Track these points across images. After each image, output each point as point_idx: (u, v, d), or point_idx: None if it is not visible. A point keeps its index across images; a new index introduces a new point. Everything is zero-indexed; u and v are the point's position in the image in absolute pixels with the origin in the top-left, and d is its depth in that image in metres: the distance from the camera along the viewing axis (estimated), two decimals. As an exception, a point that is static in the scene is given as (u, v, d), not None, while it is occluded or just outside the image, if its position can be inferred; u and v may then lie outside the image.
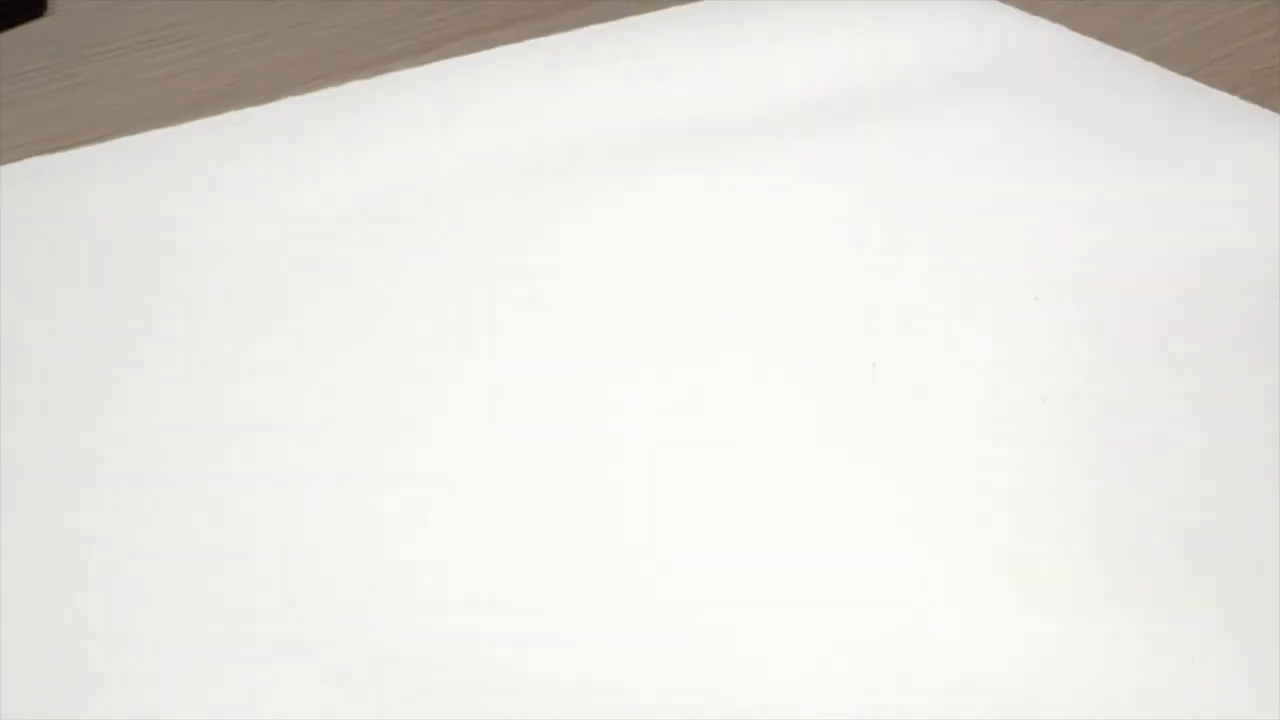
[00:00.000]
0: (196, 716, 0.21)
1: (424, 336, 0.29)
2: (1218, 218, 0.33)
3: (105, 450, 0.26)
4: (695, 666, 0.22)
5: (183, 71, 0.41)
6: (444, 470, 0.26)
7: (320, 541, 0.24)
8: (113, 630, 0.22)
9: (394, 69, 0.41)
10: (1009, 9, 0.43)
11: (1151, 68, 0.40)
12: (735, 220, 0.33)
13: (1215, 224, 0.33)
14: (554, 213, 0.34)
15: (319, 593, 0.23)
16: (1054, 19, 0.43)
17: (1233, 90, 0.39)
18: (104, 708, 0.21)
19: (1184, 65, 0.41)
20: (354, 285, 0.31)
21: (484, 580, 0.23)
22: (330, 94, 0.39)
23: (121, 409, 0.27)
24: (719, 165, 0.35)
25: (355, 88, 0.40)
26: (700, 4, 0.44)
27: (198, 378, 0.28)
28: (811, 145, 0.36)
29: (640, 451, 0.26)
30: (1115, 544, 0.24)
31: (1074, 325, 0.29)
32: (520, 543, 0.24)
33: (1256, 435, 0.26)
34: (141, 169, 0.36)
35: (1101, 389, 0.27)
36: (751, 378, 0.28)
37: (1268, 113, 0.38)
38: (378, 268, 0.32)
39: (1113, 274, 0.31)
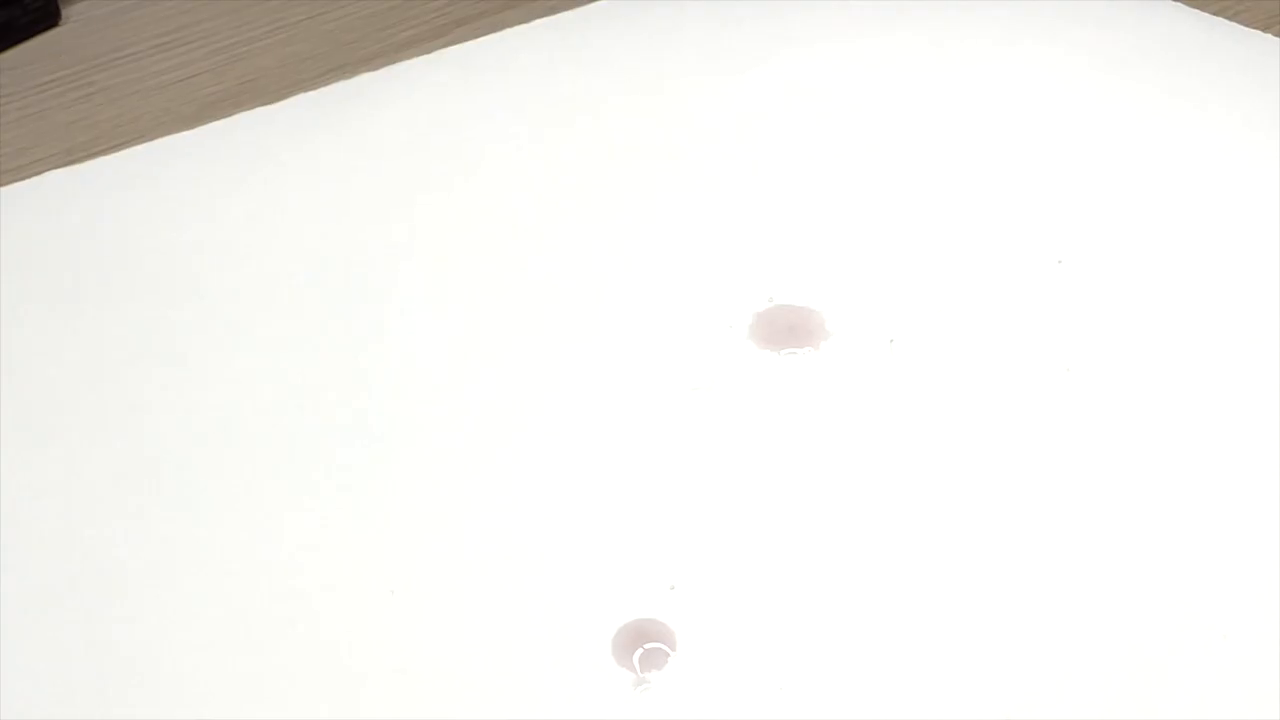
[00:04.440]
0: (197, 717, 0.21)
1: (440, 328, 0.29)
2: (1249, 168, 0.32)
3: (128, 454, 0.26)
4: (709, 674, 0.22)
5: (195, 74, 0.41)
6: (455, 473, 0.26)
7: (327, 545, 0.24)
8: (136, 634, 0.23)
9: (404, 58, 0.40)
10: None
11: (1180, 7, 0.39)
12: (748, 196, 0.32)
13: (1245, 174, 0.32)
14: (573, 196, 0.33)
15: (327, 595, 0.23)
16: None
17: (1265, 27, 0.38)
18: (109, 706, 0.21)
19: (1212, 4, 0.39)
20: (372, 279, 0.31)
21: (496, 585, 0.23)
22: (341, 88, 0.39)
23: (144, 409, 0.27)
24: (732, 141, 0.35)
25: (365, 80, 0.39)
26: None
27: (221, 377, 0.28)
28: (824, 114, 0.35)
29: (661, 436, 0.26)
30: (1132, 514, 0.23)
31: (1099, 291, 0.28)
32: (540, 544, 0.24)
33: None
34: (159, 176, 0.36)
35: (1126, 358, 0.27)
36: (768, 360, 0.27)
37: (1302, 49, 0.36)
38: (395, 260, 0.32)
39: (1139, 236, 0.30)
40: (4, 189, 0.35)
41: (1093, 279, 0.29)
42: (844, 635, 0.22)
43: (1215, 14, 0.38)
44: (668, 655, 0.22)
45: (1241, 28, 0.38)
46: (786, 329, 0.28)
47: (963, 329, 0.28)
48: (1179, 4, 0.39)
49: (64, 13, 0.44)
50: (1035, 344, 0.27)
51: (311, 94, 0.39)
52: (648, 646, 0.22)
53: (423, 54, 0.41)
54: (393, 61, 0.40)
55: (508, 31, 0.41)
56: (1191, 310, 0.28)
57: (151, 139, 0.37)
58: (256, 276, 0.32)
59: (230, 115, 0.38)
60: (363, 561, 0.24)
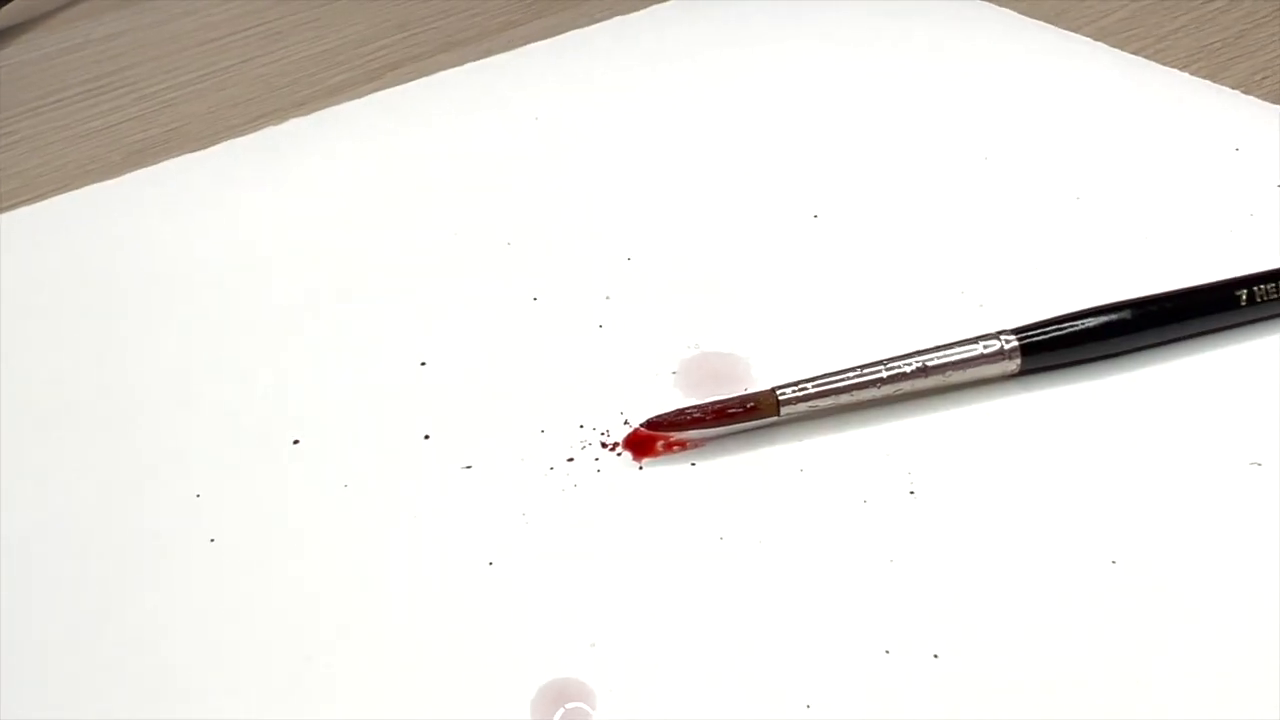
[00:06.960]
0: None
1: (364, 375, 0.29)
2: (1174, 197, 0.33)
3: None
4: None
5: (122, 121, 0.41)
6: (369, 528, 0.25)
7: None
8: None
9: (336, 102, 0.40)
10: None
11: (1101, 47, 0.40)
12: (668, 248, 0.33)
13: (1174, 205, 0.32)
14: (499, 240, 0.33)
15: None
16: (1002, 3, 0.42)
17: (1184, 66, 0.38)
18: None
19: (1133, 44, 0.40)
20: (302, 324, 0.31)
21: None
22: (271, 133, 0.39)
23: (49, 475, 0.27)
24: (658, 190, 0.35)
25: (295, 124, 0.39)
26: (649, 10, 0.44)
27: (139, 430, 0.28)
28: (749, 132, 0.36)
29: (584, 488, 0.26)
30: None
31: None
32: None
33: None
34: (83, 226, 0.35)
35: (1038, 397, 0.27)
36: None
37: (1223, 89, 0.37)
38: (324, 304, 0.31)
39: (1059, 280, 0.31)
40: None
41: (1007, 313, 0.29)
42: (765, 693, 0.22)
43: (1135, 53, 0.39)
44: (589, 714, 0.21)
45: (1161, 67, 0.38)
46: (711, 377, 0.28)
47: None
48: (1100, 44, 0.40)
49: (-10, 60, 0.44)
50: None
51: (241, 139, 0.39)
52: (569, 706, 0.22)
53: (354, 98, 0.40)
54: (324, 106, 0.40)
55: (439, 74, 0.41)
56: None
57: (76, 188, 0.37)
58: (185, 323, 0.31)
59: (158, 162, 0.38)
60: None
